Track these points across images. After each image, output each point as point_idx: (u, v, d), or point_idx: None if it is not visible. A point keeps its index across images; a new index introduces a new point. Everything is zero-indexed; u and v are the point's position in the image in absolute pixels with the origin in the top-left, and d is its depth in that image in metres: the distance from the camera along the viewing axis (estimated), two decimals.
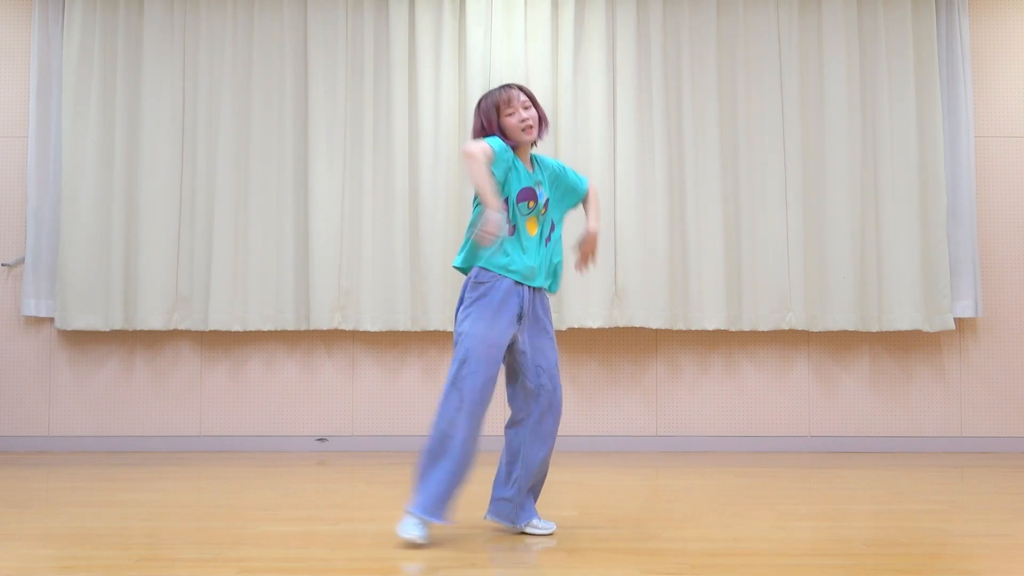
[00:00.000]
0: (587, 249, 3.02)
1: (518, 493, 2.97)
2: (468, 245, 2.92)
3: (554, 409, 2.97)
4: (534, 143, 3.01)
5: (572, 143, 5.17)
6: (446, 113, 5.23)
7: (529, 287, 2.92)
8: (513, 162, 2.90)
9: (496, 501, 3.01)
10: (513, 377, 2.99)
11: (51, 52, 5.29)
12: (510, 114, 2.91)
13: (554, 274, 3.02)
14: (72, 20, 5.25)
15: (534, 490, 3.05)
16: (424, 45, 5.27)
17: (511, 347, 2.92)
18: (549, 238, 2.99)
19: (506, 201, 2.89)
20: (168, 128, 5.23)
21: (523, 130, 2.91)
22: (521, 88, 2.97)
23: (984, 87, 5.39)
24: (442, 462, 2.80)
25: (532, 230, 2.93)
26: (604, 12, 5.26)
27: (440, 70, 5.26)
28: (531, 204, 2.91)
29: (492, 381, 2.84)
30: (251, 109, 5.23)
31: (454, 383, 2.82)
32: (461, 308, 2.90)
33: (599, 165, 5.18)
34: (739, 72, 5.27)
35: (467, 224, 3.03)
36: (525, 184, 2.91)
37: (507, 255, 2.88)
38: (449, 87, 5.24)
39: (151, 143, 5.20)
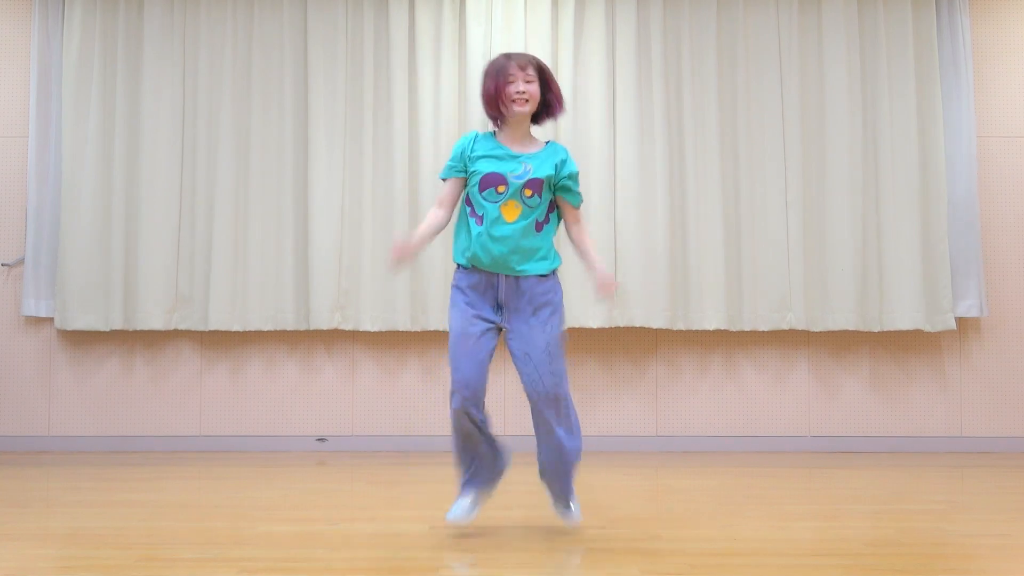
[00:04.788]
0: (608, 290, 2.87)
1: (541, 477, 3.00)
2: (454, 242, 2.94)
3: (545, 399, 2.82)
4: (540, 121, 2.94)
5: (572, 142, 5.16)
6: (446, 113, 5.22)
7: (506, 275, 2.83)
8: (472, 152, 2.89)
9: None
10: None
11: (51, 52, 5.29)
12: (510, 82, 2.85)
13: (534, 257, 2.84)
14: (72, 20, 5.25)
15: (551, 487, 2.97)
16: (424, 45, 5.27)
17: (505, 339, 2.89)
18: (545, 222, 2.88)
19: (467, 199, 2.90)
20: (168, 128, 5.23)
21: (514, 101, 2.84)
22: (531, 61, 2.88)
23: (985, 87, 5.38)
24: (463, 456, 2.93)
25: (510, 215, 2.82)
26: (604, 12, 5.26)
27: (440, 70, 5.26)
28: (500, 189, 2.82)
29: (477, 370, 2.79)
30: (251, 109, 5.23)
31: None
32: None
33: (599, 165, 5.18)
34: (739, 72, 5.27)
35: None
36: (493, 169, 2.84)
37: (471, 246, 2.84)
38: (449, 87, 5.24)
39: (151, 143, 5.20)
